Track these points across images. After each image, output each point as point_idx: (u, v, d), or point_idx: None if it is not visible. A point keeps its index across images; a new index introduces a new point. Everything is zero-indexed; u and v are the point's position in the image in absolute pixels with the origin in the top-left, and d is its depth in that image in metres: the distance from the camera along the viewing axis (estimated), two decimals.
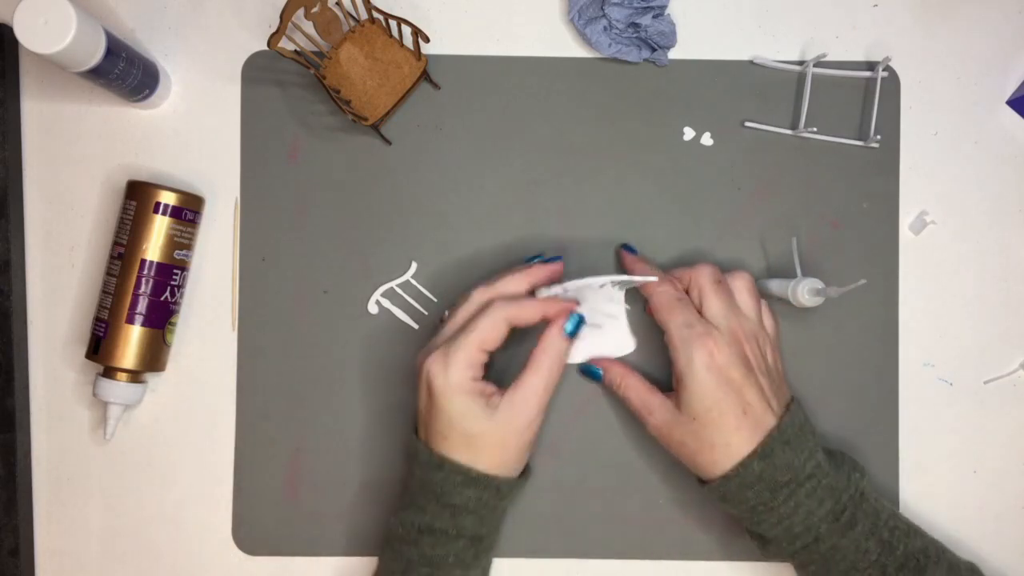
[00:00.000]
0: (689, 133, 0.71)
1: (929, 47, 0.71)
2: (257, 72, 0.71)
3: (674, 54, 0.71)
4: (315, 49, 0.70)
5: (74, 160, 0.71)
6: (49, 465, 0.71)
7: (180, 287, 0.69)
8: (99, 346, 0.67)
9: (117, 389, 0.68)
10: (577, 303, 0.65)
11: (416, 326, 0.71)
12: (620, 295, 0.67)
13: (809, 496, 0.61)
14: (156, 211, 0.67)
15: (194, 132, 0.71)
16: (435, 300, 0.71)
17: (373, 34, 0.69)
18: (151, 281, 0.68)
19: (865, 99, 0.71)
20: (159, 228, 0.68)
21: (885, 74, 0.70)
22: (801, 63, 0.71)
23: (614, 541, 0.70)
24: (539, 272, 0.65)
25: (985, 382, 0.71)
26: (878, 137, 0.70)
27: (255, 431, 0.71)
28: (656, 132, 0.71)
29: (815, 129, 0.70)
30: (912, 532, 0.63)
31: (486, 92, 0.71)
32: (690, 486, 0.69)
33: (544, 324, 0.64)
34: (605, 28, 0.70)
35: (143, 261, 0.67)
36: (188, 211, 0.69)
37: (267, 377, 0.71)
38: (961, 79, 0.71)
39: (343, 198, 0.71)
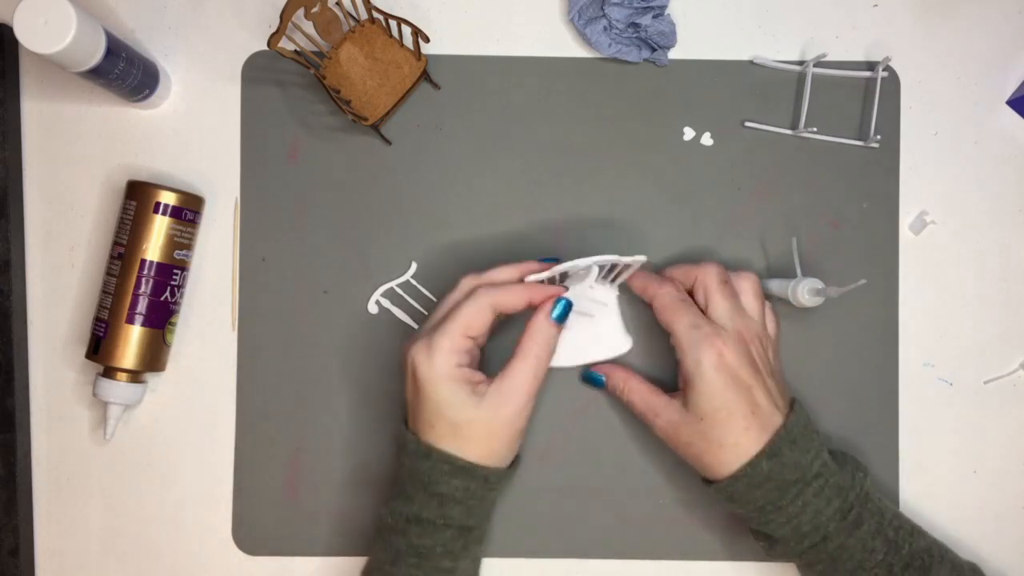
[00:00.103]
0: (689, 133, 0.71)
1: (929, 47, 0.71)
2: (257, 72, 0.71)
3: (674, 54, 0.71)
4: (315, 49, 0.70)
5: (74, 160, 0.71)
6: (49, 465, 0.71)
7: (180, 287, 0.69)
8: (99, 346, 0.67)
9: (117, 389, 0.68)
10: (565, 288, 0.64)
11: (416, 326, 0.71)
12: (612, 288, 0.66)
13: (817, 495, 0.61)
14: (156, 211, 0.67)
15: (194, 132, 0.71)
16: (435, 300, 0.71)
17: (373, 34, 0.69)
18: (151, 281, 0.68)
19: (865, 99, 0.71)
20: (159, 228, 0.68)
21: (885, 74, 0.70)
22: (801, 63, 0.71)
23: (614, 541, 0.70)
24: (531, 265, 0.65)
25: (985, 382, 0.71)
26: (878, 137, 0.70)
27: (255, 431, 0.71)
28: (656, 132, 0.71)
29: (815, 129, 0.70)
30: (915, 532, 0.63)
31: (486, 92, 0.71)
32: (691, 486, 0.69)
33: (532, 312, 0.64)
34: (605, 28, 0.70)
35: (143, 261, 0.67)
36: (188, 211, 0.69)
37: (267, 377, 0.71)
38: (961, 79, 0.71)
39: (343, 198, 0.71)
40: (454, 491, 0.61)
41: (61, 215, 0.71)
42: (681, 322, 0.62)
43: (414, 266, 0.71)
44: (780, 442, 0.61)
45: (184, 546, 0.70)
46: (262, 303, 0.71)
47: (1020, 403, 0.71)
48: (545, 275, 0.63)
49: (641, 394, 0.65)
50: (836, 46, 0.71)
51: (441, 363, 0.61)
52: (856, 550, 0.61)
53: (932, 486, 0.70)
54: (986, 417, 0.71)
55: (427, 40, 0.67)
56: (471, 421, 0.61)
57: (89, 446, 0.71)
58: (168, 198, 0.68)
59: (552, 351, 0.63)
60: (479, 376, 0.62)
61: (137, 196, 0.68)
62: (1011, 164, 0.71)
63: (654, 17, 0.69)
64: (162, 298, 0.68)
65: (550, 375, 0.64)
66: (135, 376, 0.68)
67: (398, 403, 0.70)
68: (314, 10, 0.66)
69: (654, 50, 0.70)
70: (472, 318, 0.61)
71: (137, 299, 0.67)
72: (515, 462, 0.65)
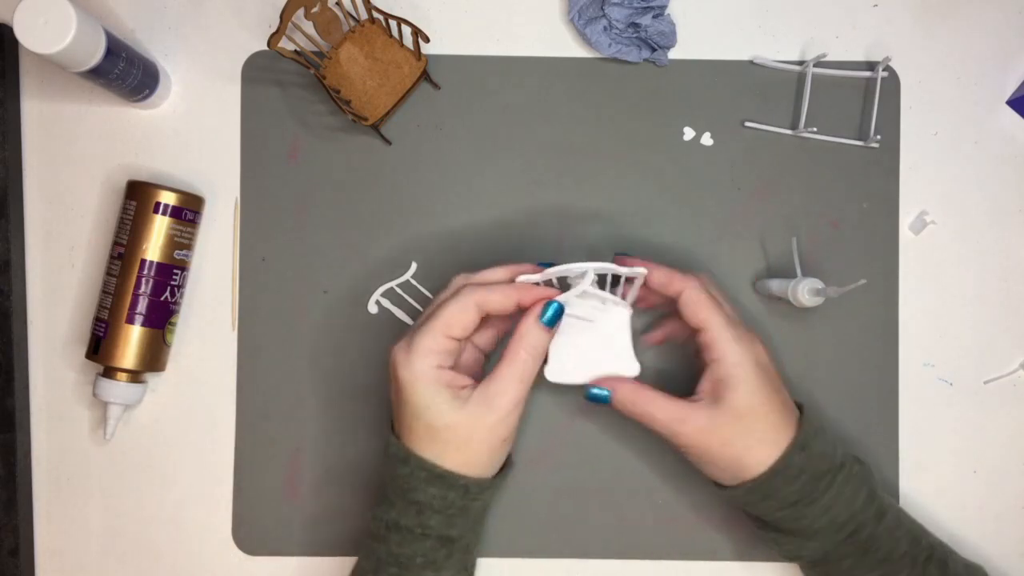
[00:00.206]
0: (689, 133, 0.71)
1: (929, 47, 0.71)
2: (257, 72, 0.71)
3: (674, 54, 0.71)
4: (315, 49, 0.70)
5: (74, 160, 0.71)
6: (49, 465, 0.71)
7: (180, 287, 0.69)
8: (99, 346, 0.67)
9: (117, 389, 0.68)
10: (558, 291, 0.61)
11: None
12: (625, 307, 0.63)
13: (846, 483, 0.60)
14: (156, 211, 0.67)
15: (194, 132, 0.71)
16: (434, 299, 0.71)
17: (373, 34, 0.69)
18: (151, 281, 0.68)
19: (865, 99, 0.71)
20: (159, 228, 0.68)
21: (885, 74, 0.70)
22: (801, 63, 0.71)
23: (614, 541, 0.70)
24: (526, 267, 0.62)
25: (985, 382, 0.71)
26: (878, 137, 0.70)
27: (255, 431, 0.71)
28: (656, 132, 0.71)
29: (815, 129, 0.70)
30: (922, 528, 0.64)
31: (486, 92, 0.71)
32: (690, 486, 0.69)
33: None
34: (605, 28, 0.70)
35: (143, 261, 0.67)
36: (188, 211, 0.69)
37: (267, 377, 0.71)
38: (961, 79, 0.71)
39: (343, 198, 0.71)
40: (431, 500, 0.59)
41: (61, 215, 0.71)
42: (718, 319, 0.60)
43: (414, 266, 0.71)
44: (807, 434, 0.61)
45: (184, 546, 0.70)
46: (262, 303, 0.71)
47: (1020, 403, 0.71)
48: (537, 277, 0.61)
49: (659, 403, 0.61)
50: (836, 46, 0.71)
51: (420, 365, 0.58)
52: (884, 540, 0.61)
53: (932, 486, 0.70)
54: (986, 417, 0.71)
55: (427, 40, 0.67)
56: (450, 426, 0.58)
57: (89, 446, 0.71)
58: (168, 198, 0.68)
59: (541, 356, 0.60)
60: (463, 380, 0.60)
61: (137, 196, 0.68)
62: (1011, 164, 0.71)
63: (654, 17, 0.69)
64: (162, 298, 0.68)
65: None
66: (135, 376, 0.68)
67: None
68: (314, 10, 0.66)
69: (654, 50, 0.70)
70: (454, 317, 0.59)
71: (137, 299, 0.67)
72: (505, 470, 0.63)
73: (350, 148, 0.71)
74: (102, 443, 0.70)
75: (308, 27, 0.69)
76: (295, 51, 0.67)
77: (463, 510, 0.60)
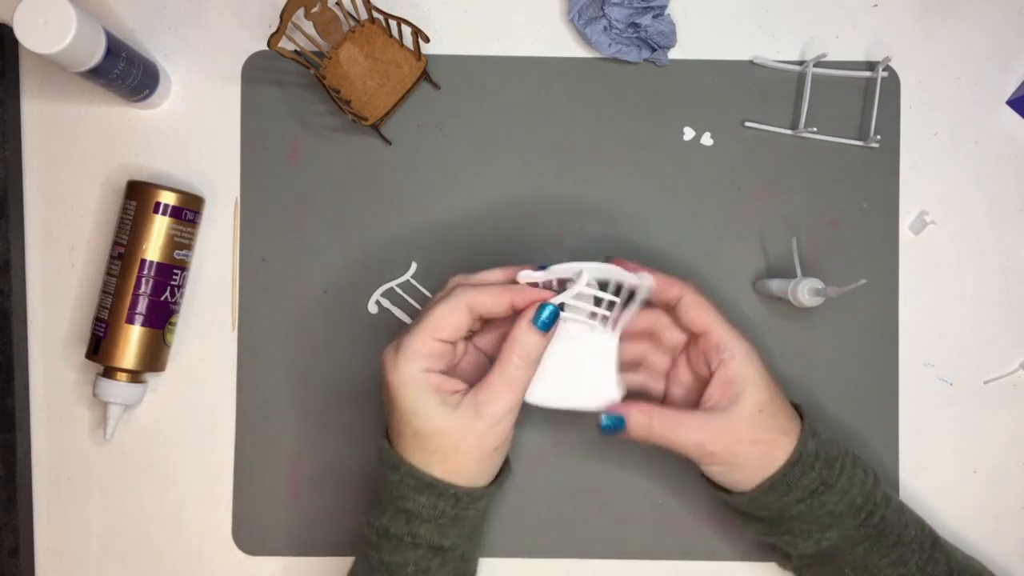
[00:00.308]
0: (689, 133, 0.71)
1: (929, 47, 0.71)
2: (257, 72, 0.71)
3: (674, 54, 0.71)
4: (315, 49, 0.70)
5: (74, 160, 0.71)
6: (49, 465, 0.71)
7: (180, 287, 0.69)
8: (99, 346, 0.67)
9: (117, 389, 0.68)
10: (553, 293, 0.59)
11: None
12: (614, 334, 0.61)
13: (855, 467, 0.61)
14: (156, 211, 0.67)
15: (194, 132, 0.71)
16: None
17: (373, 34, 0.69)
18: (151, 281, 0.68)
19: (865, 99, 0.71)
20: (159, 228, 0.68)
21: (885, 74, 0.70)
22: (801, 63, 0.71)
23: (614, 541, 0.70)
24: (528, 269, 0.60)
25: (985, 382, 0.71)
26: (878, 137, 0.70)
27: (255, 431, 0.71)
28: (656, 132, 0.71)
29: (815, 129, 0.70)
30: (918, 514, 0.64)
31: (486, 92, 0.71)
32: (690, 487, 0.69)
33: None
34: (605, 28, 0.70)
35: (143, 261, 0.67)
36: (188, 211, 0.69)
37: (267, 377, 0.71)
38: (961, 79, 0.71)
39: (343, 198, 0.71)
40: (420, 509, 0.57)
41: (61, 215, 0.71)
42: (719, 320, 0.60)
43: (414, 266, 0.71)
44: (812, 421, 0.61)
45: (184, 546, 0.70)
46: (262, 303, 0.71)
47: (1020, 403, 0.71)
48: (538, 276, 0.59)
49: (683, 423, 0.59)
50: (836, 46, 0.71)
51: (407, 368, 0.56)
52: (894, 523, 0.61)
53: (932, 486, 0.70)
54: (986, 417, 0.71)
55: (427, 40, 0.67)
56: (438, 432, 0.56)
57: (89, 446, 0.71)
58: (168, 198, 0.68)
59: (535, 362, 0.58)
60: (454, 384, 0.58)
61: (137, 196, 0.68)
62: (1011, 164, 0.71)
63: (654, 17, 0.69)
64: (162, 298, 0.68)
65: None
66: (135, 376, 0.68)
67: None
68: (314, 10, 0.66)
69: (654, 50, 0.70)
70: (443, 319, 0.57)
71: (137, 299, 0.67)
72: (502, 477, 0.61)
73: (350, 148, 0.71)
74: (102, 443, 0.70)
75: (308, 27, 0.69)
76: (295, 51, 0.67)
77: (455, 519, 0.58)
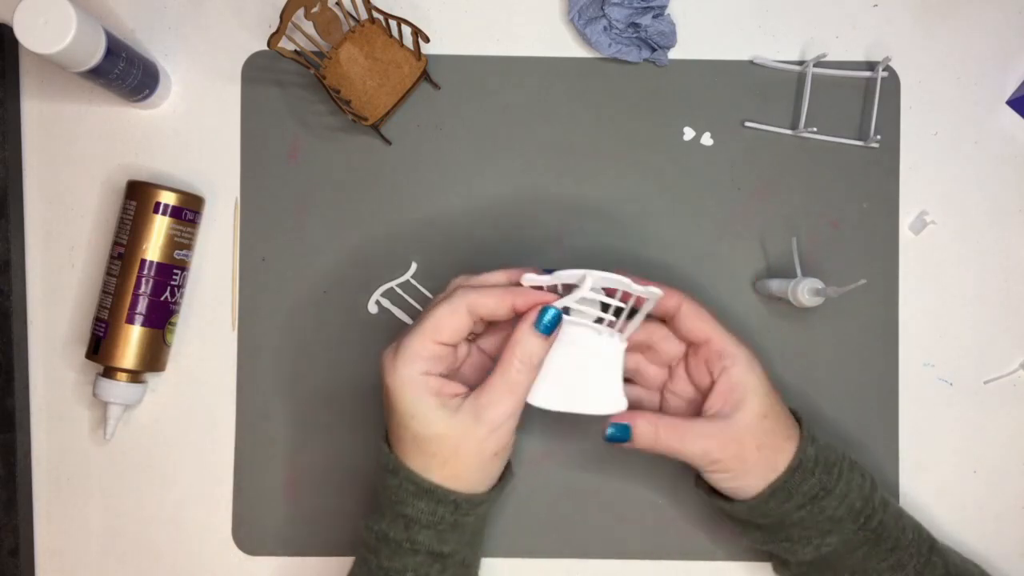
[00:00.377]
0: (689, 133, 0.71)
1: (929, 47, 0.71)
2: (257, 72, 0.71)
3: (674, 54, 0.71)
4: (315, 49, 0.70)
5: (74, 160, 0.71)
6: (49, 465, 0.71)
7: (180, 287, 0.69)
8: (99, 346, 0.67)
9: (117, 389, 0.68)
10: (558, 295, 0.58)
11: None
12: (621, 340, 0.59)
13: (852, 471, 0.60)
14: (156, 211, 0.67)
15: (194, 132, 0.71)
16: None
17: (373, 34, 0.69)
18: (151, 281, 0.68)
19: (865, 99, 0.71)
20: (159, 228, 0.68)
21: (885, 74, 0.70)
22: (801, 63, 0.71)
23: (614, 541, 0.70)
24: (532, 271, 0.59)
25: (985, 382, 0.71)
26: (878, 137, 0.70)
27: (255, 431, 0.71)
28: (656, 132, 0.71)
29: (815, 129, 0.70)
30: (914, 518, 0.64)
31: (486, 92, 0.71)
32: (690, 487, 0.69)
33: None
34: (605, 28, 0.70)
35: (143, 261, 0.67)
36: (188, 211, 0.69)
37: (267, 377, 0.71)
38: (961, 79, 0.71)
39: (343, 198, 0.71)
40: (419, 515, 0.56)
41: (61, 215, 0.71)
42: (719, 328, 0.60)
43: (414, 266, 0.71)
44: (809, 429, 0.61)
45: (184, 546, 0.70)
46: (262, 303, 0.71)
47: (1020, 403, 0.71)
48: (543, 280, 0.58)
49: (685, 427, 0.58)
50: (836, 46, 0.71)
51: (405, 370, 0.56)
52: (892, 527, 0.61)
53: (932, 486, 0.70)
54: (986, 417, 0.71)
55: (427, 40, 0.67)
56: (437, 437, 0.55)
57: (89, 446, 0.71)
58: (168, 198, 0.68)
59: (536, 367, 0.57)
60: (454, 387, 0.57)
61: (137, 196, 0.68)
62: (1011, 164, 0.71)
63: (654, 17, 0.69)
64: (162, 298, 0.68)
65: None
66: (135, 376, 0.68)
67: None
68: (314, 10, 0.67)
69: (654, 50, 0.70)
70: (443, 321, 0.56)
71: (137, 299, 0.67)
72: (503, 482, 0.60)
73: (350, 148, 0.71)
74: (102, 443, 0.70)
75: (308, 27, 0.69)
76: (295, 51, 0.67)
77: (455, 526, 0.57)
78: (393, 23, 0.68)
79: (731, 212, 0.71)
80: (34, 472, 0.71)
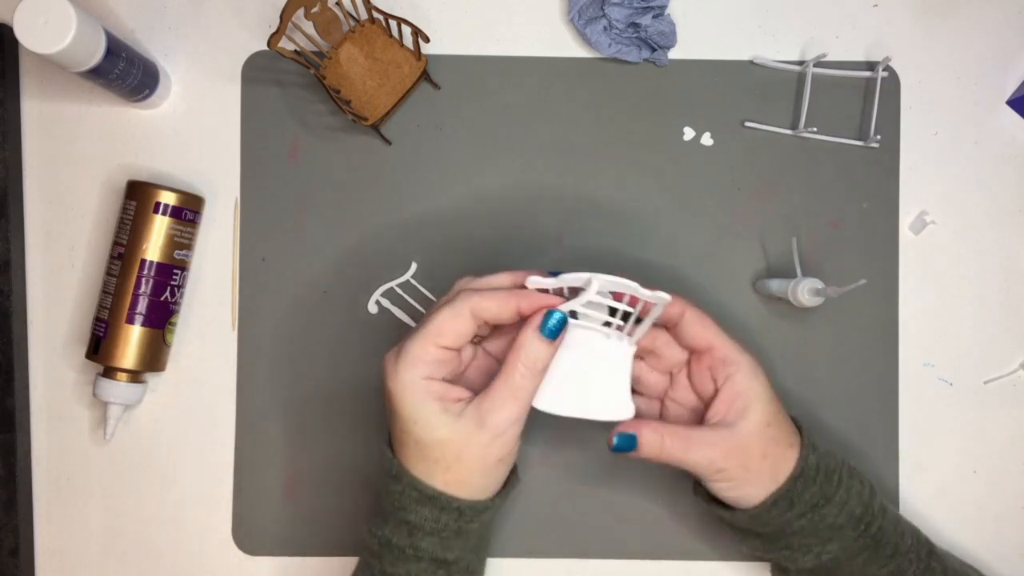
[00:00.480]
0: (689, 133, 0.71)
1: (929, 47, 0.71)
2: (257, 72, 0.71)
3: (674, 54, 0.71)
4: (315, 49, 0.70)
5: (74, 160, 0.71)
6: (49, 465, 0.71)
7: (180, 287, 0.69)
8: (99, 346, 0.67)
9: (117, 389, 0.68)
10: (563, 299, 0.57)
11: (415, 326, 0.71)
12: (630, 344, 0.58)
13: (851, 477, 0.60)
14: (156, 211, 0.67)
15: (194, 132, 0.71)
16: (435, 300, 0.71)
17: (373, 34, 0.69)
18: (151, 281, 0.68)
19: (865, 99, 0.71)
20: (159, 228, 0.68)
21: (885, 74, 0.70)
22: (801, 63, 0.71)
23: (614, 541, 0.70)
24: (537, 274, 0.58)
25: (985, 382, 0.71)
26: (878, 137, 0.70)
27: (255, 431, 0.71)
28: (656, 132, 0.71)
29: (815, 129, 0.70)
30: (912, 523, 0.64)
31: (486, 92, 0.71)
32: (690, 487, 0.69)
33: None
34: (605, 28, 0.70)
35: (143, 261, 0.67)
36: (188, 211, 0.69)
37: (267, 377, 0.71)
38: (961, 79, 0.71)
39: (343, 198, 0.71)
40: (423, 522, 0.56)
41: (61, 215, 0.71)
42: (723, 335, 0.59)
43: (414, 266, 0.71)
44: (811, 433, 0.61)
45: (184, 546, 0.70)
46: (262, 303, 0.71)
47: (1020, 403, 0.71)
48: (548, 283, 0.57)
49: (690, 436, 0.57)
50: (836, 46, 0.71)
51: (407, 374, 0.55)
52: (891, 533, 0.60)
53: (932, 486, 0.70)
54: (986, 417, 0.71)
55: (427, 40, 0.67)
56: (439, 443, 0.54)
57: (89, 446, 0.71)
58: (168, 198, 0.68)
59: (541, 372, 0.56)
60: (458, 392, 0.56)
61: (137, 196, 0.68)
62: (1011, 164, 0.71)
63: (654, 17, 0.69)
64: (162, 298, 0.68)
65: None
66: (135, 376, 0.68)
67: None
68: (314, 10, 0.67)
69: (654, 50, 0.70)
70: (446, 324, 0.55)
71: (137, 299, 0.67)
72: (508, 487, 0.59)
73: (350, 148, 0.71)
74: (102, 443, 0.70)
75: (308, 27, 0.69)
76: (295, 51, 0.67)
77: (459, 533, 0.57)
78: (393, 23, 0.68)
79: (731, 212, 0.71)
80: (34, 472, 0.71)
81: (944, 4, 0.71)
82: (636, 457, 0.58)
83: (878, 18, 0.71)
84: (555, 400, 0.57)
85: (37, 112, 0.71)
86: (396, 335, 0.71)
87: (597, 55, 0.71)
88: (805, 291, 0.65)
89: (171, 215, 0.68)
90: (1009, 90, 0.71)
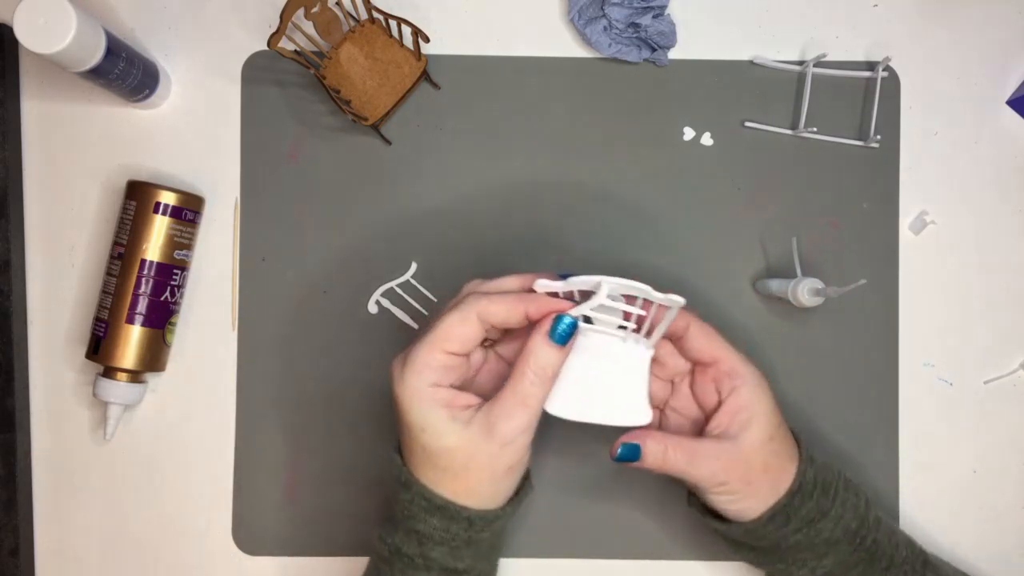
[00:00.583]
0: (689, 133, 0.71)
1: (929, 47, 0.71)
2: (257, 72, 0.71)
3: (674, 54, 0.71)
4: (315, 49, 0.70)
5: (74, 160, 0.71)
6: (49, 465, 0.71)
7: (180, 287, 0.69)
8: (99, 346, 0.67)
9: (117, 389, 0.68)
10: (573, 302, 0.56)
11: (416, 326, 0.71)
12: (648, 348, 0.57)
13: (847, 490, 0.60)
14: (156, 211, 0.67)
15: (194, 132, 0.71)
16: (435, 300, 0.71)
17: (373, 34, 0.69)
18: (151, 281, 0.68)
19: (865, 99, 0.71)
20: (159, 228, 0.68)
21: (885, 74, 0.70)
22: (801, 63, 0.71)
23: (614, 541, 0.70)
24: (546, 276, 0.56)
25: (985, 382, 0.71)
26: (878, 137, 0.70)
27: (255, 431, 0.71)
28: (656, 132, 0.71)
29: (815, 129, 0.70)
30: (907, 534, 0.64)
31: (486, 92, 0.71)
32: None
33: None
34: (605, 28, 0.70)
35: (143, 261, 0.67)
36: (188, 211, 0.69)
37: (267, 377, 0.71)
38: (961, 79, 0.71)
39: (343, 198, 0.71)
40: (432, 531, 0.55)
41: (61, 215, 0.71)
42: (731, 350, 0.58)
43: (414, 266, 0.71)
44: (809, 447, 0.60)
45: (184, 546, 0.70)
46: (262, 303, 0.71)
47: (1020, 403, 0.71)
48: (558, 286, 0.55)
49: (693, 448, 0.56)
50: (836, 46, 0.71)
51: (414, 380, 0.54)
52: (885, 545, 0.60)
53: (932, 486, 0.70)
54: (986, 417, 0.71)
55: (427, 40, 0.67)
56: (448, 450, 0.53)
57: (89, 446, 0.71)
58: (168, 198, 0.68)
59: (551, 378, 0.55)
60: (467, 399, 0.55)
61: (137, 196, 0.68)
62: (1011, 164, 0.71)
63: (654, 17, 0.69)
64: (162, 298, 0.68)
65: None
66: (135, 376, 0.68)
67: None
68: (314, 10, 0.67)
69: (654, 50, 0.70)
70: (453, 330, 0.54)
71: (137, 299, 0.67)
72: (520, 495, 0.58)
73: (350, 148, 0.71)
74: (102, 443, 0.70)
75: (308, 27, 0.69)
76: (295, 51, 0.67)
77: (469, 542, 0.56)
78: (393, 23, 0.68)
79: (731, 212, 0.71)
80: (34, 472, 0.71)
81: (944, 4, 0.71)
82: (639, 467, 0.57)
83: (878, 18, 0.71)
84: (568, 405, 0.56)
85: (37, 112, 0.71)
86: (396, 335, 0.71)
87: (597, 55, 0.71)
88: (805, 291, 0.65)
89: (171, 215, 0.68)
90: (1009, 90, 0.71)
